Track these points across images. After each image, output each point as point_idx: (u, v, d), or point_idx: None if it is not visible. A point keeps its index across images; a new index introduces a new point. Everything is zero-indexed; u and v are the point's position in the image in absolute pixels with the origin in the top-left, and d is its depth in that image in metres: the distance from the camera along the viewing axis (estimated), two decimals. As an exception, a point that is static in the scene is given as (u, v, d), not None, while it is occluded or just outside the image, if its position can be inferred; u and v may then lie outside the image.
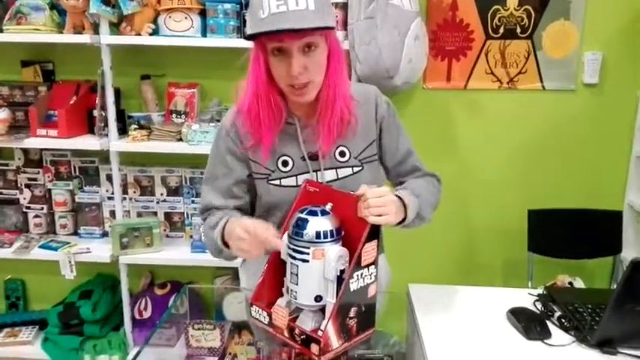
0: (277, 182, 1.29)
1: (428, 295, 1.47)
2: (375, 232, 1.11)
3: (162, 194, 2.38)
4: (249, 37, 1.14)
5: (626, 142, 2.44)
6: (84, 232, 2.42)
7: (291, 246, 1.11)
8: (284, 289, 1.17)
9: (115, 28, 2.16)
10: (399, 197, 1.18)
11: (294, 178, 1.29)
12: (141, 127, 2.22)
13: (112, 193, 2.33)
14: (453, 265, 2.58)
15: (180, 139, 2.21)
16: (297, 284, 1.11)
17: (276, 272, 1.19)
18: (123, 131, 2.28)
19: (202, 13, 2.16)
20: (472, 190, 2.50)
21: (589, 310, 1.32)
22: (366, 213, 1.08)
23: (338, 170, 1.29)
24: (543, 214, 2.27)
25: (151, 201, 2.39)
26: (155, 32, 2.15)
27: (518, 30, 2.35)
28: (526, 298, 1.46)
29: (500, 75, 2.39)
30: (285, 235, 1.14)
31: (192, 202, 2.37)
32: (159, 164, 2.36)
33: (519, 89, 2.40)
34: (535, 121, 2.44)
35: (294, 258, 1.11)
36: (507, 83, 2.40)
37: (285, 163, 1.29)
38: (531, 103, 2.42)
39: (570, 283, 2.11)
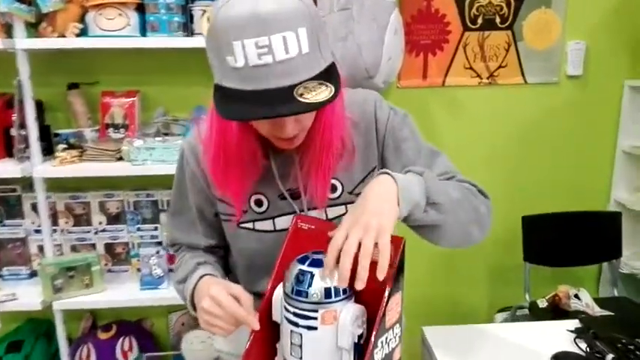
0: (250, 225, 1.02)
1: (446, 337, 1.23)
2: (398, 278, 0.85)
3: (100, 223, 2.02)
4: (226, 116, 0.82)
5: (613, 135, 2.29)
6: (7, 273, 2.03)
7: (291, 309, 0.82)
8: None
9: (33, 29, 1.78)
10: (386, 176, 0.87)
11: (271, 221, 1.01)
12: (70, 147, 1.85)
13: (39, 226, 1.94)
14: (440, 274, 2.39)
15: (121, 158, 1.86)
16: (301, 358, 0.83)
17: (266, 336, 0.91)
18: (49, 151, 1.90)
19: (140, 9, 1.82)
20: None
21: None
22: (359, 285, 0.78)
23: (327, 210, 1.00)
24: (537, 220, 2.09)
25: (88, 232, 2.02)
26: (83, 33, 1.79)
27: (498, 20, 2.13)
28: (560, 333, 1.23)
29: (479, 69, 2.17)
30: (279, 292, 0.87)
31: (138, 229, 2.02)
32: (95, 188, 1.99)
33: (500, 84, 2.20)
34: (518, 117, 2.25)
35: (295, 325, 0.83)
36: (487, 78, 2.19)
37: (259, 203, 1.01)
38: (513, 98, 2.23)
39: (576, 296, 1.92)
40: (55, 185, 1.95)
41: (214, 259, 1.09)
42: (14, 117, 1.80)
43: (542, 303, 1.95)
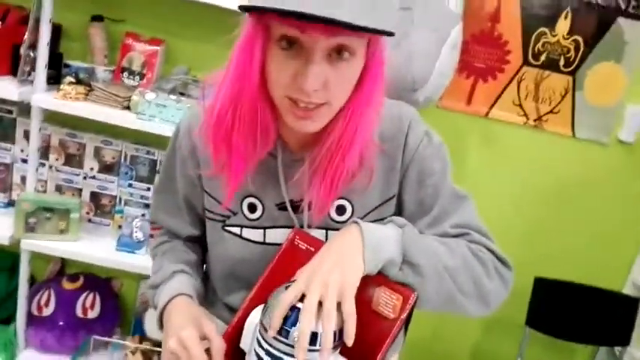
0: (237, 230, 0.88)
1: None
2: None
3: (92, 169, 1.88)
4: (245, 7, 0.68)
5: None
6: (-16, 195, 1.90)
7: (265, 345, 0.69)
8: None
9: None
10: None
11: (261, 231, 0.87)
12: (79, 82, 1.70)
13: (28, 155, 1.81)
14: (434, 319, 2.22)
15: (128, 108, 1.71)
16: None
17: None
18: (56, 80, 1.76)
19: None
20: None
21: None
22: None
23: (329, 233, 0.86)
24: (550, 285, 1.93)
25: (77, 174, 1.88)
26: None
27: (562, 62, 1.96)
28: None
29: (528, 109, 2.00)
30: (255, 318, 0.74)
31: (130, 185, 1.89)
32: (94, 131, 1.85)
33: (546, 130, 2.03)
34: (556, 170, 2.09)
35: None
36: (534, 121, 2.02)
37: (252, 208, 0.87)
38: (556, 149, 2.06)
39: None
40: (54, 117, 1.81)
41: (194, 260, 0.96)
42: (26, 35, 1.66)
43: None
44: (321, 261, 0.73)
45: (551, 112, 2.01)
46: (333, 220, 0.86)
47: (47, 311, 1.90)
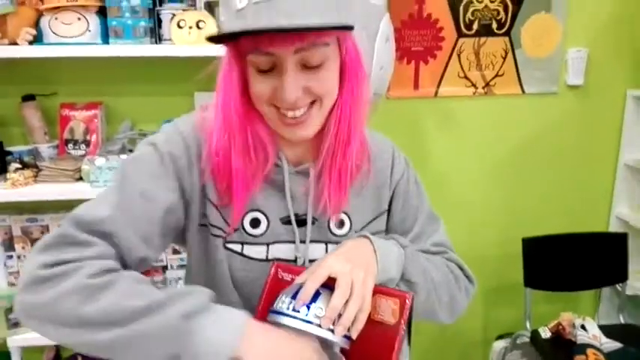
0: (237, 248, 0.83)
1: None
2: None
3: (62, 248, 1.83)
4: (216, 39, 0.69)
5: (615, 148, 2.16)
6: (-42, 303, 1.83)
7: None
8: None
9: (-20, 34, 1.59)
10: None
11: (264, 247, 0.84)
12: (24, 166, 1.66)
13: (-7, 252, 1.75)
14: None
15: (81, 178, 1.67)
16: None
17: None
18: (1, 170, 1.71)
19: (102, 12, 1.63)
20: (448, 212, 2.11)
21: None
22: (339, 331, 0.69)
23: (329, 246, 0.86)
24: (538, 242, 1.95)
25: (48, 258, 1.83)
26: (38, 39, 1.60)
27: (494, 25, 1.98)
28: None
29: (474, 79, 2.02)
30: None
31: (105, 254, 1.84)
32: (54, 210, 1.80)
33: (496, 95, 2.05)
34: (515, 130, 2.11)
35: None
36: (483, 88, 2.04)
37: (255, 223, 0.84)
38: (510, 110, 2.09)
39: (583, 327, 1.78)
40: (10, 207, 1.76)
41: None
42: (-40, 134, 1.61)
43: (545, 332, 1.82)
44: (344, 256, 0.75)
45: (496, 75, 2.03)
46: (333, 234, 0.87)
47: (53, 401, 1.85)
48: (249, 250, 0.84)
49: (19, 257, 1.82)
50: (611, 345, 1.78)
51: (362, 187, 0.87)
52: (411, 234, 0.92)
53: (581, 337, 1.76)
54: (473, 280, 0.95)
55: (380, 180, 0.90)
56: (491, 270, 2.17)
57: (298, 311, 0.68)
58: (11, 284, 1.77)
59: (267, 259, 0.84)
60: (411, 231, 0.92)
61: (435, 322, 0.91)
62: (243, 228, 0.83)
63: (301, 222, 0.85)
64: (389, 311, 0.73)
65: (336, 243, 0.83)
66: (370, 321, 0.72)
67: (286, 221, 0.84)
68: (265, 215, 0.84)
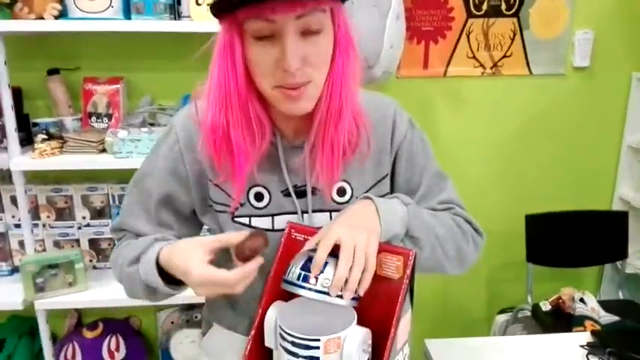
0: (246, 221, 0.90)
1: (452, 352, 1.15)
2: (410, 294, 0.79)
3: (84, 217, 1.92)
4: (215, 12, 0.75)
5: (619, 130, 2.21)
6: (-13, 269, 1.93)
7: (289, 337, 0.74)
8: None
9: (9, 10, 1.66)
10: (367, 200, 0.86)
11: (270, 218, 0.91)
12: (50, 137, 1.74)
13: (20, 220, 1.84)
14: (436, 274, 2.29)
15: (104, 150, 1.75)
16: None
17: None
18: (28, 141, 1.79)
19: (124, -11, 1.69)
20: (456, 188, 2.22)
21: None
22: (347, 296, 0.74)
23: (333, 214, 0.91)
24: (541, 219, 2.01)
25: (71, 226, 1.92)
26: (62, 14, 1.67)
27: (503, 7, 2.03)
28: (570, 346, 1.15)
29: (483, 59, 2.08)
30: (272, 315, 0.79)
31: (125, 224, 1.92)
32: (78, 181, 1.89)
33: (504, 75, 2.11)
34: (521, 110, 2.17)
35: (295, 355, 0.74)
36: (491, 68, 2.09)
37: (259, 197, 0.90)
38: (517, 90, 2.14)
39: (582, 300, 1.85)
40: (36, 177, 1.85)
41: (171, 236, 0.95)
42: (-10, 105, 1.69)
43: (545, 306, 1.89)
44: (348, 222, 0.79)
45: (504, 56, 2.08)
46: (335, 202, 0.91)
47: (75, 364, 1.95)
48: (257, 222, 0.90)
49: (44, 225, 1.91)
50: (609, 318, 1.84)
51: (363, 155, 0.89)
52: (418, 193, 0.95)
53: (580, 310, 1.82)
54: (481, 232, 0.98)
55: (380, 145, 0.92)
56: (496, 246, 2.23)
57: (308, 282, 0.73)
58: (37, 251, 1.85)
59: (273, 229, 0.90)
60: (417, 190, 0.95)
61: (445, 274, 0.94)
62: (249, 202, 0.90)
63: (302, 193, 0.90)
64: (393, 267, 0.79)
65: (339, 211, 0.87)
66: (376, 276, 0.77)
67: (287, 193, 0.90)
68: (267, 189, 0.90)
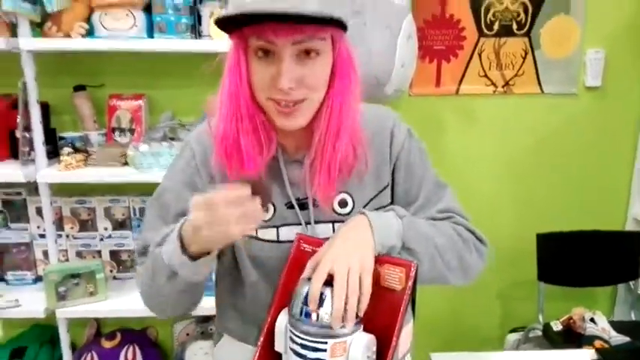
0: (252, 232, 0.95)
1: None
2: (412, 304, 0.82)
3: (106, 229, 1.98)
4: (225, 28, 0.81)
5: (632, 149, 2.22)
6: (12, 277, 1.99)
7: (298, 340, 0.78)
8: None
9: (39, 29, 1.75)
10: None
11: (275, 230, 0.95)
12: (76, 151, 1.81)
13: (45, 230, 1.91)
14: (450, 292, 2.28)
15: (126, 163, 1.82)
16: None
17: None
18: (54, 154, 1.87)
19: (147, 9, 1.78)
20: (466, 207, 2.22)
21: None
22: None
23: (336, 225, 0.95)
24: (552, 238, 2.02)
25: (93, 237, 1.98)
26: (89, 33, 1.76)
27: (515, 26, 2.08)
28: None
29: (494, 78, 2.12)
30: (283, 320, 0.82)
31: (144, 236, 1.98)
32: (100, 193, 1.96)
33: (516, 94, 2.14)
34: (533, 128, 2.19)
35: (303, 357, 0.78)
36: (503, 87, 2.13)
37: (265, 210, 0.95)
38: (529, 109, 2.17)
39: (592, 319, 1.85)
40: (61, 189, 1.92)
41: None
42: (19, 119, 1.77)
43: (557, 326, 1.89)
44: (341, 245, 0.82)
45: (516, 75, 2.12)
46: (337, 214, 0.95)
47: (94, 373, 1.99)
48: (263, 234, 0.95)
49: (67, 237, 1.97)
50: (619, 339, 1.83)
51: (361, 171, 0.92)
52: (416, 203, 0.97)
53: (590, 330, 1.82)
54: (485, 241, 0.98)
55: (380, 157, 0.95)
56: (507, 264, 2.23)
57: (310, 318, 0.77)
58: (60, 261, 1.92)
59: (278, 240, 0.94)
60: (416, 200, 0.97)
61: (449, 285, 0.94)
62: None
63: (304, 205, 0.94)
64: (396, 279, 0.82)
65: (341, 222, 0.91)
66: (379, 288, 0.81)
67: (290, 206, 0.94)
68: (272, 202, 0.94)
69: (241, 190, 0.73)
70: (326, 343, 0.76)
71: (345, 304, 0.76)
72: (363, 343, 0.77)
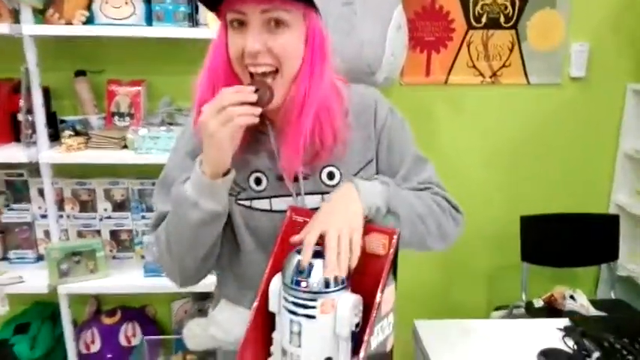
0: (247, 203, 1.02)
1: (439, 332, 1.26)
2: (393, 269, 0.89)
3: (105, 210, 2.06)
4: (207, 6, 0.91)
5: (614, 138, 2.30)
6: (14, 256, 2.06)
7: (290, 298, 0.86)
8: (274, 350, 0.92)
9: (41, 15, 1.81)
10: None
11: (268, 200, 1.02)
12: (76, 134, 1.88)
13: (46, 211, 1.98)
14: (439, 272, 2.41)
15: (125, 147, 1.89)
16: (299, 346, 0.86)
17: (262, 327, 0.94)
18: (55, 137, 1.93)
19: (146, -2, 1.84)
20: (455, 193, 2.30)
21: (629, 347, 1.14)
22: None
23: (325, 197, 1.02)
24: (536, 220, 2.11)
25: (93, 218, 2.06)
26: (90, 20, 1.82)
27: (502, 19, 2.15)
28: (550, 331, 1.26)
29: (482, 68, 2.19)
30: (277, 283, 0.90)
31: (143, 217, 2.05)
32: (100, 175, 2.03)
33: (503, 84, 2.22)
34: (519, 117, 2.27)
35: (294, 313, 0.86)
36: (490, 77, 2.20)
37: (258, 181, 1.02)
38: (515, 98, 2.25)
39: (572, 297, 1.95)
40: (62, 171, 1.99)
41: None
42: (21, 103, 1.83)
43: (538, 302, 1.99)
44: (331, 210, 0.89)
45: (503, 66, 2.19)
46: (325, 185, 1.02)
47: (94, 348, 2.08)
48: (257, 204, 1.02)
49: (68, 217, 2.05)
50: (597, 315, 1.93)
51: (344, 147, 0.98)
52: (399, 174, 1.03)
53: (570, 306, 1.92)
54: (460, 209, 1.06)
55: (365, 132, 1.02)
56: (492, 248, 2.33)
57: (300, 286, 0.84)
58: (61, 239, 1.99)
59: (271, 210, 1.01)
60: (399, 172, 1.03)
61: (428, 250, 1.01)
62: (250, 186, 1.02)
63: (296, 177, 1.00)
64: (380, 245, 0.89)
65: (329, 192, 0.97)
66: (365, 254, 0.88)
67: (281, 178, 1.00)
68: (264, 174, 1.01)
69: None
70: (316, 300, 0.84)
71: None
72: (350, 301, 0.84)
